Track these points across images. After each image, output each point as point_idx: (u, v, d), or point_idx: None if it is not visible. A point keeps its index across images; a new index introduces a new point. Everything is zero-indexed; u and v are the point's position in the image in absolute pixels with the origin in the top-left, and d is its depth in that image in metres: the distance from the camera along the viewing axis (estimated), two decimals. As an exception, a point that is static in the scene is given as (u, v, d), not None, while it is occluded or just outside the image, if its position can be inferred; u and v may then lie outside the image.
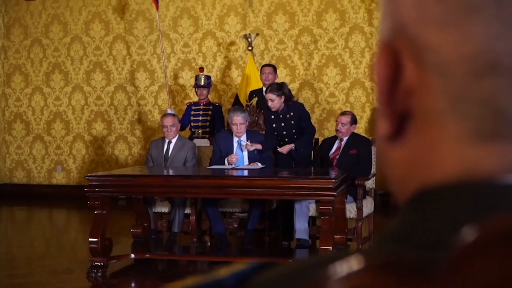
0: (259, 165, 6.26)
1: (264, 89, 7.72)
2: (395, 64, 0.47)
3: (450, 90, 0.45)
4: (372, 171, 6.27)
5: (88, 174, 5.89)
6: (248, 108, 7.19)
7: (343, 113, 6.48)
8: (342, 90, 9.29)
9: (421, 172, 0.47)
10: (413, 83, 0.46)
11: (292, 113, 6.45)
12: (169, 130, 6.61)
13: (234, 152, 6.35)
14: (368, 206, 6.13)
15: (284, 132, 6.52)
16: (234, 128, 6.28)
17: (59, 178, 10.52)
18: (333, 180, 5.13)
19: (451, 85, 0.45)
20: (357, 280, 0.39)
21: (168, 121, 6.67)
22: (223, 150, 6.38)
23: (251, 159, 6.35)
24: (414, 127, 0.47)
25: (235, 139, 6.37)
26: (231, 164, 6.24)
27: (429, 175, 0.46)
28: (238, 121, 6.24)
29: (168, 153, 6.65)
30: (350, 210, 5.94)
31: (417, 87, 0.46)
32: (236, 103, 8.01)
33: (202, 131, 8.15)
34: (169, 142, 6.66)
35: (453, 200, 0.43)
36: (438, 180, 0.45)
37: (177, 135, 6.71)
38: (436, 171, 0.46)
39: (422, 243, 0.42)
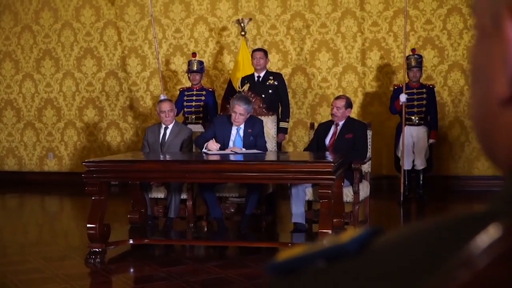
0: (243, 150, 6.04)
1: (256, 74, 7.70)
2: None
3: None
4: (368, 155, 6.29)
5: (86, 160, 5.86)
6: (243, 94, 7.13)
7: (338, 97, 6.52)
8: (334, 75, 9.28)
9: None
10: None
11: None
12: (167, 116, 6.55)
13: (232, 140, 6.25)
14: (364, 189, 6.16)
15: None
16: (232, 115, 6.15)
17: (51, 165, 10.47)
18: (332, 164, 5.14)
19: None
20: (506, 245, 0.39)
21: (166, 106, 6.61)
22: (219, 135, 6.26)
23: (246, 147, 6.20)
24: None
25: (234, 127, 6.26)
26: (210, 151, 6.04)
27: None
28: (239, 110, 6.09)
29: (164, 139, 6.60)
30: (347, 194, 5.96)
31: None
32: (230, 89, 7.99)
33: (195, 117, 8.14)
34: (166, 128, 6.61)
35: None
36: None
37: (174, 120, 6.68)
38: None
39: None
